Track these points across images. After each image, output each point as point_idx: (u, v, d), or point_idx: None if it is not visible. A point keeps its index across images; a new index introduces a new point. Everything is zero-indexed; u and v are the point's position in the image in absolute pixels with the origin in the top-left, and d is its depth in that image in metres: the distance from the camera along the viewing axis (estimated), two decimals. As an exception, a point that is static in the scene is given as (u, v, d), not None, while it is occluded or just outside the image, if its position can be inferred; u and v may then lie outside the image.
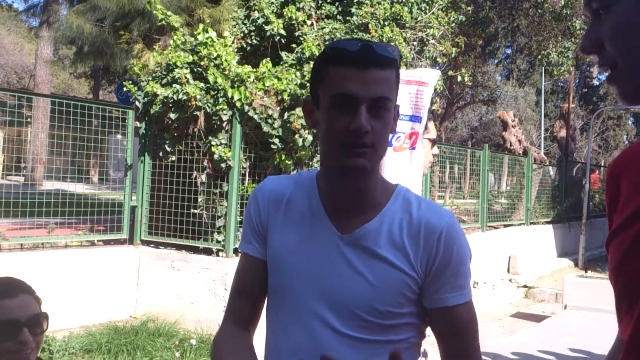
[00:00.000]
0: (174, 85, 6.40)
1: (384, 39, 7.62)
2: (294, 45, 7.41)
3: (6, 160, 11.41)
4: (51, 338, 5.32)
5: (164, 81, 6.58)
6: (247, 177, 6.52)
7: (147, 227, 6.79)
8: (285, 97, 6.29)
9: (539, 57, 15.35)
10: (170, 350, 5.58)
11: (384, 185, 1.31)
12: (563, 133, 17.67)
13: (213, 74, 6.36)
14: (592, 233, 15.60)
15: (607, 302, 7.69)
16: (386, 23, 7.89)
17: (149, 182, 6.82)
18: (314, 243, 1.28)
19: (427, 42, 9.02)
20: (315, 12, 8.12)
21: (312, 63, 6.65)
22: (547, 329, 7.92)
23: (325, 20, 8.10)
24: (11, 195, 7.04)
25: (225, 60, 6.47)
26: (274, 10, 7.94)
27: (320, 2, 8.28)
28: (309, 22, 7.81)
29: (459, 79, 11.71)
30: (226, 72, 6.45)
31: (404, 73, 3.46)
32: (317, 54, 6.70)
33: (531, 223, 13.32)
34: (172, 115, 6.42)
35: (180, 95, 6.28)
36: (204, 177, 6.44)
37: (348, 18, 8.03)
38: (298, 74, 6.54)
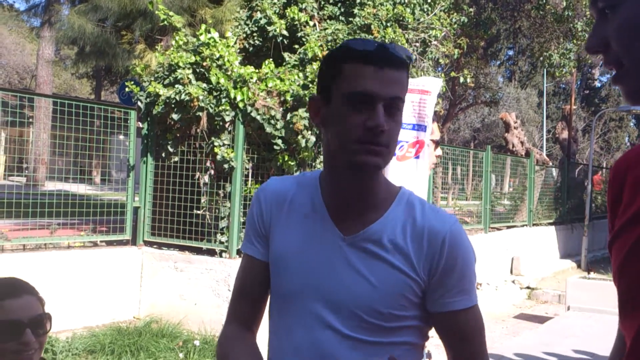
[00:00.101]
0: (176, 85, 6.40)
1: (387, 40, 7.61)
2: (296, 46, 7.40)
3: (8, 161, 11.41)
4: (54, 339, 5.32)
5: (167, 82, 6.58)
6: (250, 178, 6.51)
7: (149, 228, 6.79)
8: (288, 98, 6.29)
9: (541, 58, 15.33)
10: (174, 351, 5.58)
11: (388, 187, 1.31)
12: (565, 135, 17.67)
13: (215, 74, 6.36)
14: (595, 234, 15.59)
15: (610, 304, 7.70)
16: (388, 24, 7.87)
17: (151, 183, 6.82)
18: (316, 244, 1.28)
19: (429, 44, 9.01)
20: (318, 13, 8.11)
21: (314, 64, 6.64)
22: (550, 330, 7.90)
23: (328, 21, 8.09)
24: (13, 196, 7.05)
25: (228, 60, 6.46)
26: (277, 11, 7.93)
27: (322, 3, 8.28)
28: (311, 23, 7.80)
29: (462, 80, 11.71)
30: (229, 73, 6.45)
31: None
32: (320, 54, 6.71)
33: (534, 224, 13.31)
34: (175, 116, 6.42)
35: (183, 96, 6.28)
36: (206, 178, 6.44)
37: (350, 19, 8.02)
38: (300, 74, 6.54)
